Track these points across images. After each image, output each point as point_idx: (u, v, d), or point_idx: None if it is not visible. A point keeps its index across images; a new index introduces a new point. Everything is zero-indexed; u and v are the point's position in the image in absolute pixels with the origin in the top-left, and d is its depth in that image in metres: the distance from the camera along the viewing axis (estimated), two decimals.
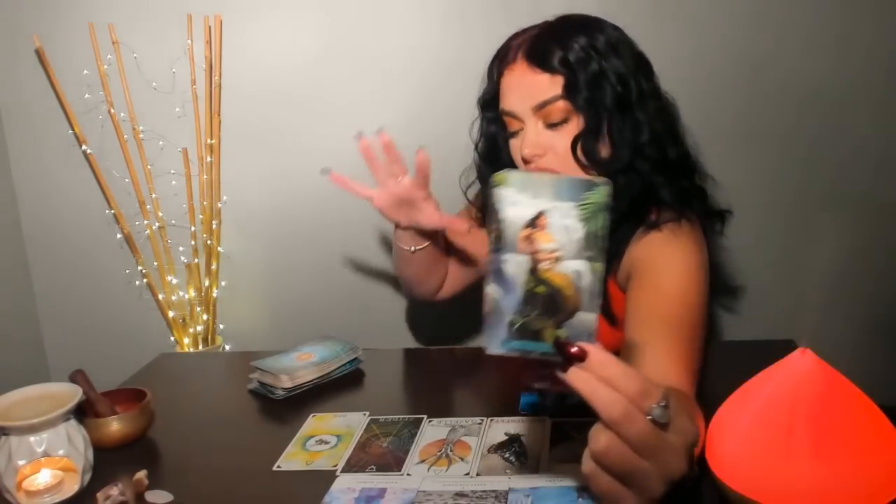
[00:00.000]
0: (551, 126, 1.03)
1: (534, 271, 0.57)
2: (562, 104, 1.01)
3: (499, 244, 0.57)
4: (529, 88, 1.03)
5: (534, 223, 0.57)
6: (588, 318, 0.56)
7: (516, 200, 0.57)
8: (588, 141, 1.02)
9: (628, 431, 0.54)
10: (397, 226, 1.14)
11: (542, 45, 1.03)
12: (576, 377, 0.55)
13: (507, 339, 0.57)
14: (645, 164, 1.05)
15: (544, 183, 0.57)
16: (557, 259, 0.57)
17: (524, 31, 1.09)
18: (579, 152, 1.02)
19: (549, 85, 1.01)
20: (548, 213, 0.57)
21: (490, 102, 1.11)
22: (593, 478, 0.56)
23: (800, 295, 1.99)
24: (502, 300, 0.57)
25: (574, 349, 0.54)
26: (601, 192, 0.56)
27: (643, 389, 0.54)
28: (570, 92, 1.01)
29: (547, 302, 0.57)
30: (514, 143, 1.08)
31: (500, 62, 1.08)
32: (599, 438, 0.55)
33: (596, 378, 0.54)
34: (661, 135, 1.06)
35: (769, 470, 0.66)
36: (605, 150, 1.04)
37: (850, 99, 1.88)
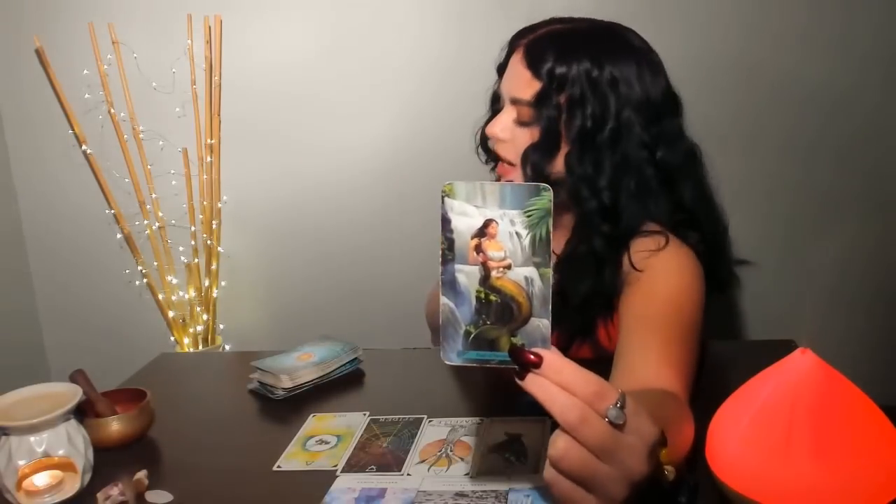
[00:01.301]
0: (521, 122, 1.05)
1: (485, 280, 0.57)
2: (527, 110, 1.04)
3: (450, 255, 0.58)
4: (515, 80, 1.05)
5: (482, 232, 0.57)
6: (541, 323, 0.57)
7: (464, 210, 0.58)
8: (536, 154, 1.03)
9: (585, 434, 0.54)
10: None
11: (544, 46, 1.04)
12: (532, 384, 0.55)
13: (463, 350, 0.58)
14: (592, 202, 1.02)
15: (490, 191, 0.57)
16: (507, 267, 0.57)
17: (556, 21, 1.09)
18: (527, 159, 1.04)
19: (527, 85, 1.03)
20: (495, 221, 0.57)
21: (501, 71, 1.14)
22: (554, 484, 0.56)
23: (800, 295, 2.00)
24: (456, 311, 0.58)
25: (529, 356, 0.55)
26: (545, 197, 0.57)
27: (599, 391, 0.54)
28: (538, 102, 1.02)
29: (500, 310, 0.57)
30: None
31: (515, 40, 1.10)
32: (557, 444, 0.55)
33: (552, 383, 0.54)
34: (625, 184, 1.02)
35: (769, 470, 0.66)
36: (556, 169, 1.04)
37: (849, 100, 1.89)
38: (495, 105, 1.15)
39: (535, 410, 0.97)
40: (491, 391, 1.12)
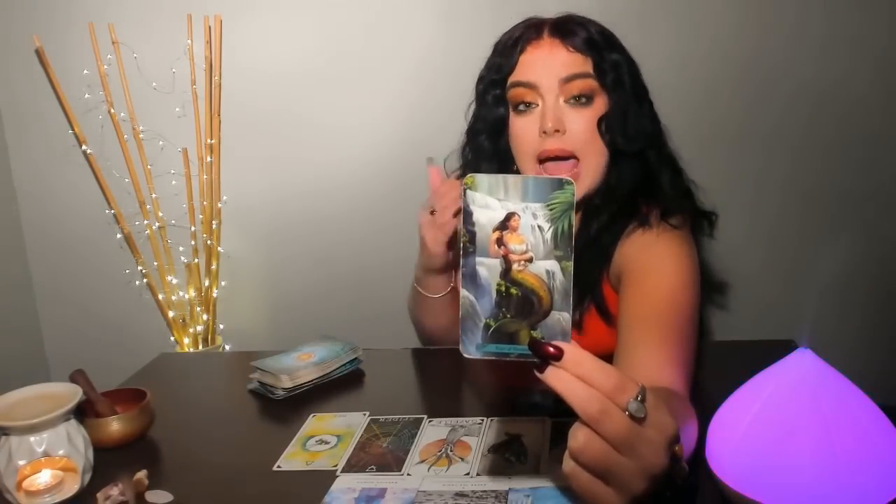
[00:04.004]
0: (573, 103, 1.04)
1: (506, 273, 0.57)
2: (590, 81, 1.04)
3: (471, 247, 0.58)
4: (559, 62, 1.04)
5: (504, 225, 0.57)
6: (562, 317, 0.57)
7: (486, 203, 0.58)
8: (615, 119, 1.05)
9: (605, 427, 0.54)
10: (426, 272, 1.15)
11: (569, 25, 1.07)
12: (552, 376, 0.55)
13: (482, 343, 0.58)
14: (653, 153, 1.09)
15: (512, 184, 0.57)
16: (529, 260, 0.57)
17: (533, 18, 1.11)
18: (605, 129, 1.05)
19: (580, 62, 1.04)
20: (517, 214, 0.57)
21: (499, 81, 1.09)
22: (574, 476, 0.56)
23: (800, 295, 2.00)
24: (477, 304, 0.58)
25: (549, 349, 0.55)
26: (568, 190, 0.57)
27: (619, 385, 0.54)
28: (599, 72, 1.04)
29: (521, 304, 0.57)
30: (521, 120, 1.07)
31: (522, 38, 1.08)
32: (577, 436, 0.55)
33: (572, 376, 0.54)
34: (660, 131, 1.12)
35: (769, 470, 0.66)
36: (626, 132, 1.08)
37: (842, 97, 1.88)
38: (505, 114, 1.10)
39: (535, 410, 0.98)
40: (491, 391, 1.12)
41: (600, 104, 1.05)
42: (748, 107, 1.90)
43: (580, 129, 1.04)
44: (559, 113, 1.03)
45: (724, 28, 1.85)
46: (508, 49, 1.08)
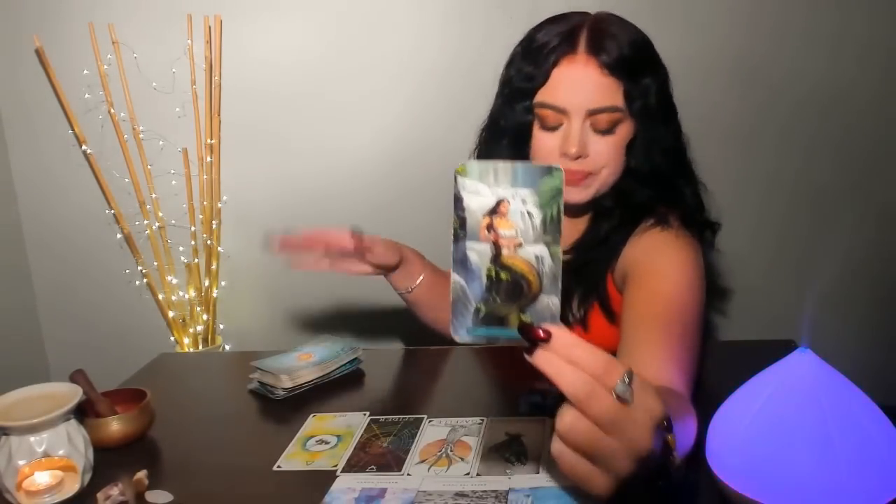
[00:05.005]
0: (596, 130, 1.04)
1: (496, 258, 0.58)
2: (618, 115, 1.03)
3: (462, 233, 0.59)
4: (590, 89, 1.02)
5: (494, 211, 0.58)
6: (550, 301, 0.58)
7: (476, 189, 0.58)
8: (639, 146, 1.05)
9: (593, 408, 0.54)
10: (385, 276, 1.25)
11: (605, 40, 1.02)
12: (540, 358, 0.55)
13: (473, 327, 0.59)
14: (680, 170, 1.11)
15: (502, 170, 0.58)
16: (518, 245, 0.58)
17: (567, 19, 1.07)
18: (628, 153, 1.05)
19: (610, 91, 1.02)
20: (507, 200, 0.58)
21: (529, 91, 1.06)
22: (561, 457, 0.57)
23: (799, 295, 2.00)
24: (467, 288, 0.58)
25: (538, 332, 0.55)
26: (557, 177, 0.57)
27: (606, 367, 0.55)
28: (627, 99, 1.03)
29: (510, 288, 0.58)
30: (545, 136, 1.06)
31: (557, 50, 1.03)
32: (564, 417, 0.56)
33: (560, 358, 0.55)
34: (684, 148, 1.12)
35: (769, 470, 0.66)
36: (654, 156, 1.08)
37: (847, 99, 1.89)
38: (522, 118, 1.07)
39: (535, 410, 0.98)
40: (491, 391, 1.12)
41: (626, 130, 1.05)
42: (753, 110, 1.90)
43: (602, 154, 1.04)
44: (584, 137, 1.03)
45: (734, 30, 1.86)
46: (542, 58, 1.05)
